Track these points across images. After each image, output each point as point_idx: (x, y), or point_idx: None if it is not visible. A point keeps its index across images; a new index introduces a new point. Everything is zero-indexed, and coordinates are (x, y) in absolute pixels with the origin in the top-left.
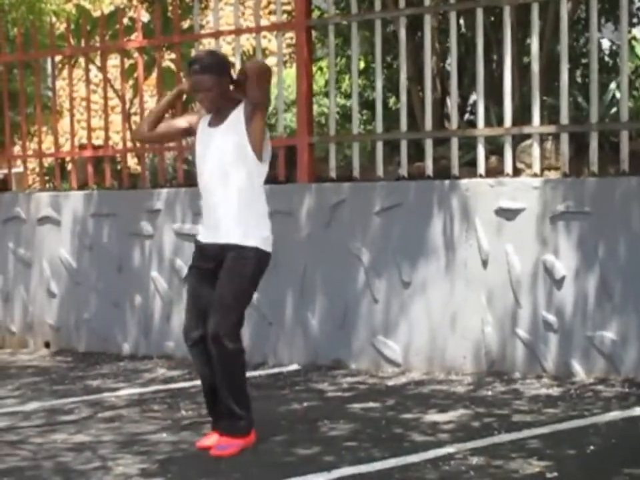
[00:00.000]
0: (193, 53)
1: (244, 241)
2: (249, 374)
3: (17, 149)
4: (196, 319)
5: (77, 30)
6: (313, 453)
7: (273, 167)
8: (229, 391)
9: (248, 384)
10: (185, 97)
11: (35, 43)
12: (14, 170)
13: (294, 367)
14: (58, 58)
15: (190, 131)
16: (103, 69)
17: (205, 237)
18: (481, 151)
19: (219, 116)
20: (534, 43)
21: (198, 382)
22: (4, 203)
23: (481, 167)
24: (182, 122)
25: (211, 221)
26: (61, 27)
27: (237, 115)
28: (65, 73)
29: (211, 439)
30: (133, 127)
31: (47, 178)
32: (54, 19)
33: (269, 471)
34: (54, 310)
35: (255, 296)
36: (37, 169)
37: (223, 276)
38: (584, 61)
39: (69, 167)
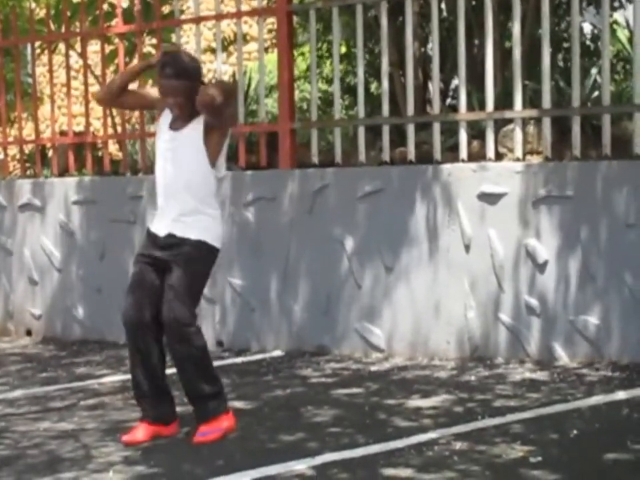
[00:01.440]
0: (174, 38)
1: (197, 236)
2: (231, 360)
3: None
4: (141, 303)
5: (57, 16)
6: (296, 439)
7: (255, 153)
8: (197, 374)
9: (214, 364)
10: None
11: (15, 28)
12: None
13: (277, 352)
14: (38, 44)
15: (158, 106)
16: (83, 55)
17: (158, 228)
18: (463, 136)
19: (183, 120)
20: (515, 27)
21: None
22: None
23: (463, 152)
24: (154, 93)
25: (165, 214)
26: (41, 13)
27: (200, 120)
28: (45, 59)
29: (140, 432)
30: (114, 113)
31: (27, 165)
32: (34, 5)
33: (252, 457)
34: (36, 298)
35: (238, 282)
36: (18, 156)
37: (175, 267)
38: (566, 45)
39: (50, 153)
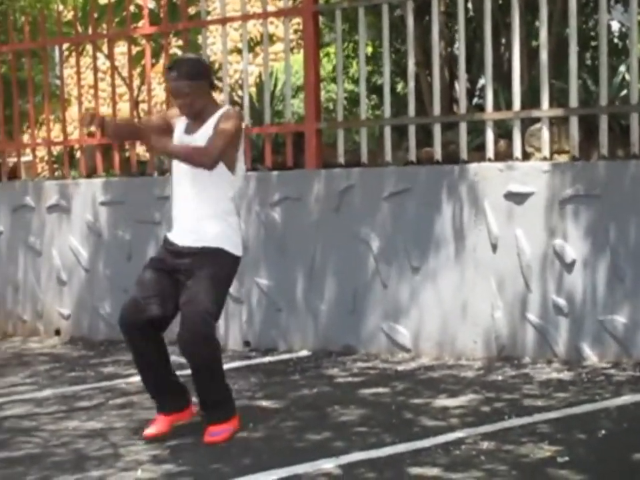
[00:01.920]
0: (200, 39)
1: (216, 244)
2: (258, 360)
3: (25, 138)
4: (138, 304)
5: (84, 17)
6: (323, 438)
7: (281, 153)
8: (210, 379)
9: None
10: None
11: (43, 31)
12: (23, 158)
13: (304, 352)
14: (65, 46)
15: (168, 129)
16: (110, 56)
17: (175, 237)
18: (489, 135)
19: (196, 122)
20: (542, 26)
21: None
22: (13, 191)
23: (490, 151)
24: (159, 122)
25: (181, 224)
26: (69, 15)
27: (210, 125)
28: (73, 60)
29: (158, 425)
30: (141, 114)
31: (55, 166)
32: (61, 7)
33: (279, 456)
34: (64, 298)
35: (265, 282)
36: (46, 157)
37: (195, 277)
38: (593, 43)
39: (78, 154)
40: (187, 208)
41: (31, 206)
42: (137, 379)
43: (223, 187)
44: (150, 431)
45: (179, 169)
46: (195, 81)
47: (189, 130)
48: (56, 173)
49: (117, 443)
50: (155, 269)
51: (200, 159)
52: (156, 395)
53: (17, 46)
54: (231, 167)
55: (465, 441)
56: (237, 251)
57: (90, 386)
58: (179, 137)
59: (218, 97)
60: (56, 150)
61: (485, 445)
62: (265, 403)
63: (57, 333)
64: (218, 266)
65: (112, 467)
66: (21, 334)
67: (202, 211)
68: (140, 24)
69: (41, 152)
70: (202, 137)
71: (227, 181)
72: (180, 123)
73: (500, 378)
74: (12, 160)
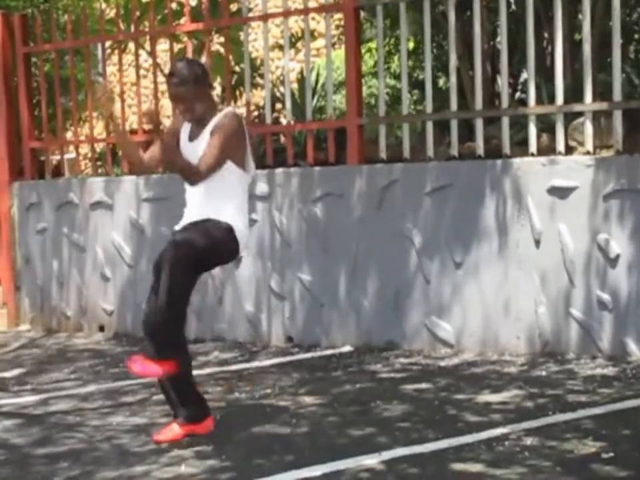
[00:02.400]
0: (242, 36)
1: (216, 217)
2: (301, 356)
3: (69, 135)
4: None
5: (126, 15)
6: (365, 434)
7: (323, 149)
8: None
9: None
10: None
11: (85, 29)
12: (66, 156)
13: (347, 348)
14: (108, 44)
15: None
16: (152, 53)
17: (178, 225)
18: (532, 130)
19: (198, 127)
20: (585, 19)
21: (253, 364)
22: (57, 188)
23: (533, 146)
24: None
25: (188, 219)
26: (111, 13)
27: (209, 128)
28: (115, 58)
29: (171, 431)
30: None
31: (99, 163)
32: (103, 5)
33: (322, 452)
34: (108, 294)
35: (307, 278)
36: (89, 155)
37: (181, 233)
38: (637, 36)
39: (121, 152)
40: (196, 204)
41: (75, 203)
42: None
43: (234, 185)
44: (160, 436)
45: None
46: (195, 85)
47: (192, 136)
48: (99, 170)
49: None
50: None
51: (192, 177)
52: (173, 402)
53: (59, 44)
54: (241, 165)
55: (508, 436)
56: (239, 233)
57: (133, 381)
58: (184, 144)
59: (259, 93)
60: (99, 147)
61: (529, 440)
62: (307, 399)
63: (101, 329)
64: (210, 230)
65: (155, 462)
66: (65, 330)
67: (211, 206)
68: (182, 21)
69: (84, 149)
70: (202, 143)
71: (237, 180)
72: (184, 129)
73: (543, 374)
74: (55, 158)
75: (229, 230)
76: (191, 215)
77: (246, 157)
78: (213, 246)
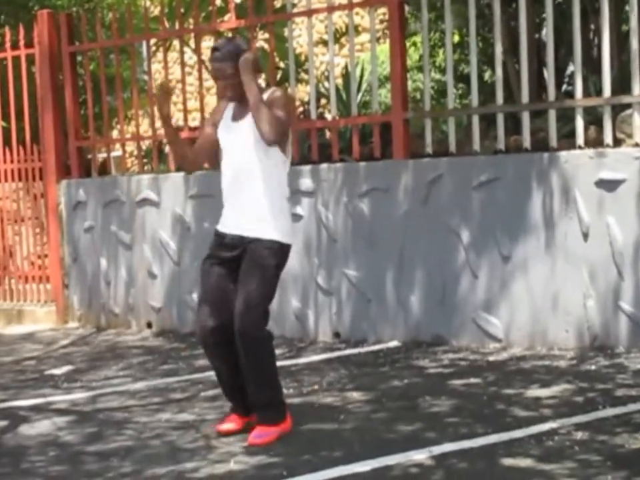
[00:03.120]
0: (286, 32)
1: (265, 234)
2: (348, 351)
3: (115, 133)
4: (213, 309)
5: (170, 13)
6: (414, 429)
7: (368, 144)
8: (262, 381)
9: (278, 370)
10: None
11: (130, 27)
12: (113, 154)
13: (394, 343)
14: (153, 41)
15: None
16: (197, 51)
17: (225, 227)
18: (579, 122)
19: (242, 107)
20: (632, 10)
21: (299, 360)
22: (104, 186)
23: (580, 138)
24: (209, 131)
25: (232, 212)
26: (155, 11)
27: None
28: (160, 56)
29: (232, 422)
30: None
31: (145, 160)
32: (148, 3)
33: (370, 447)
34: (155, 291)
35: (354, 273)
36: (135, 152)
37: (246, 268)
38: None
39: (167, 149)
40: (235, 194)
41: (122, 200)
42: None
43: (273, 168)
44: (223, 427)
45: (231, 161)
46: (236, 62)
47: (236, 117)
48: (145, 167)
49: (209, 435)
50: (215, 265)
51: (273, 130)
52: (232, 398)
53: (105, 43)
54: (285, 150)
55: (558, 431)
56: (288, 239)
57: (182, 378)
58: (226, 125)
59: (304, 88)
60: (145, 145)
61: (579, 435)
62: (355, 395)
63: (149, 325)
64: (269, 260)
65: (205, 458)
66: (113, 327)
67: (251, 197)
68: (226, 18)
69: (130, 147)
70: (250, 124)
71: (281, 167)
72: (227, 111)
73: (593, 368)
74: (102, 155)
75: (281, 247)
76: (237, 221)
77: (288, 142)
78: (276, 276)
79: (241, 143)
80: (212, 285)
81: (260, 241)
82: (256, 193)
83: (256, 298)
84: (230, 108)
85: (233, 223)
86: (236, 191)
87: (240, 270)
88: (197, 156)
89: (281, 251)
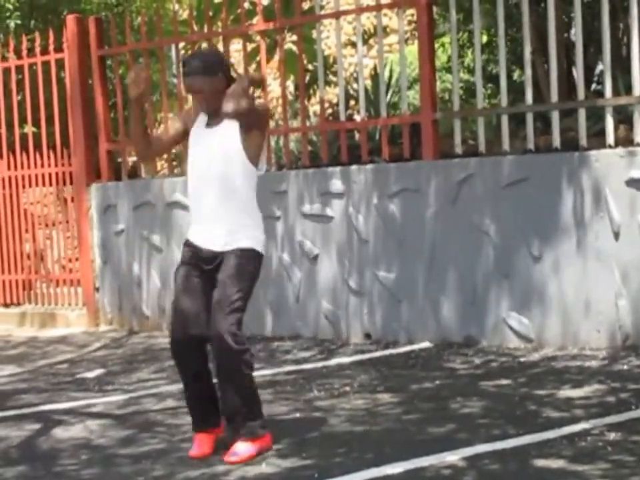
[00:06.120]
0: (314, 34)
1: (241, 244)
2: (379, 353)
3: None
4: (187, 320)
5: (199, 16)
6: (446, 430)
7: (398, 145)
8: (237, 389)
9: (255, 382)
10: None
11: (159, 30)
12: None
13: (425, 344)
14: (182, 44)
15: (187, 132)
16: (225, 53)
17: (198, 239)
18: (609, 121)
19: (216, 117)
20: None
21: (330, 362)
22: (135, 189)
23: (610, 137)
24: (176, 125)
25: (203, 224)
26: (184, 14)
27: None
28: None
29: (205, 444)
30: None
31: (174, 163)
32: (177, 6)
33: (402, 449)
34: None
35: (385, 274)
36: (165, 155)
37: (222, 275)
38: None
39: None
40: (208, 203)
41: (152, 203)
42: (260, 373)
43: (251, 184)
44: (196, 452)
45: (204, 167)
46: (207, 76)
47: (210, 124)
48: (175, 170)
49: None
50: (188, 276)
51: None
52: (197, 412)
53: (134, 46)
54: (257, 160)
55: (590, 432)
56: (263, 249)
57: (214, 380)
58: (200, 131)
59: (333, 90)
60: (175, 147)
61: (612, 435)
62: (386, 396)
63: None
64: (246, 269)
65: None
66: (144, 330)
67: (226, 207)
68: (254, 20)
69: None
70: (225, 130)
71: (255, 177)
72: (202, 117)
73: (625, 367)
74: (132, 159)
75: (258, 255)
76: (212, 234)
77: (262, 153)
78: (253, 282)
79: (213, 151)
80: (187, 295)
81: (237, 249)
82: (232, 203)
83: (234, 303)
84: (204, 115)
85: (209, 236)
86: (210, 201)
87: (217, 277)
88: (155, 142)
89: (257, 258)
